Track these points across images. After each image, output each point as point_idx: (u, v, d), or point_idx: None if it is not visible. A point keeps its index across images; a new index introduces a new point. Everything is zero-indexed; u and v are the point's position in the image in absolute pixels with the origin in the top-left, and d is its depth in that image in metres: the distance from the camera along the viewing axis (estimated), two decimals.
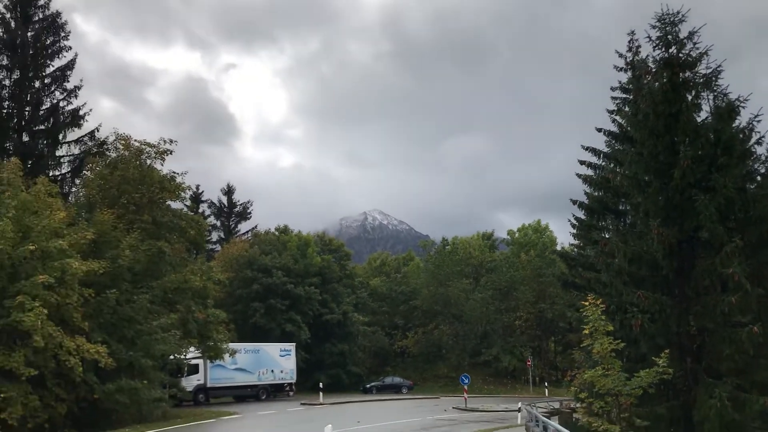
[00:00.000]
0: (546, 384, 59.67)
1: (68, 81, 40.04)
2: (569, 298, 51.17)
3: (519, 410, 33.49)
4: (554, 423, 13.63)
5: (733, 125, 17.93)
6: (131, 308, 27.66)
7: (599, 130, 30.67)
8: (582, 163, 31.34)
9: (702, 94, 18.23)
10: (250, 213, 73.53)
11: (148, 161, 33.96)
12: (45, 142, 39.45)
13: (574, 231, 35.14)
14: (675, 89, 17.88)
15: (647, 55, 20.33)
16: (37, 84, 39.60)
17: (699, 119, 18.23)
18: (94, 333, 25.63)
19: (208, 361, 39.52)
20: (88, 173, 35.57)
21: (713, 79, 17.96)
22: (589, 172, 31.30)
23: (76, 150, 40.01)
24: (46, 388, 23.77)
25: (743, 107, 17.55)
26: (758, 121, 17.40)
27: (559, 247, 66.24)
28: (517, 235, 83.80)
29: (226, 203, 72.71)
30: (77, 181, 38.99)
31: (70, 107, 39.71)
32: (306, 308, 55.80)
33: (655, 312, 16.41)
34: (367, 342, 65.15)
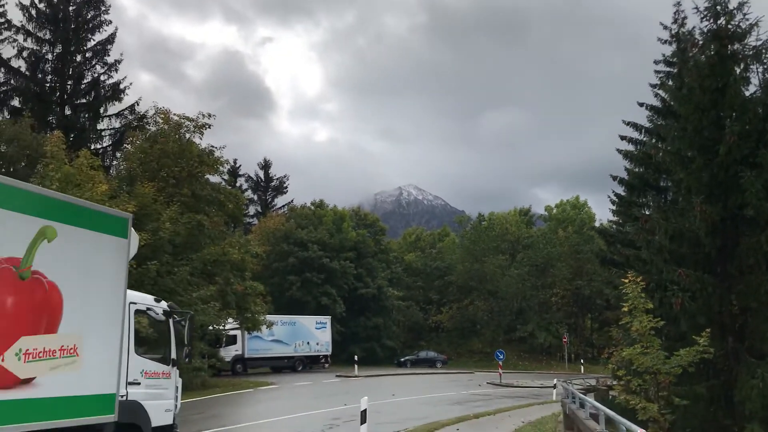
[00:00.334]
0: (582, 361, 59.37)
1: (109, 55, 40.72)
2: (607, 275, 50.65)
3: (554, 387, 33.41)
4: (591, 399, 13.55)
5: None
6: (172, 280, 28.14)
7: (641, 104, 29.99)
8: (623, 138, 30.74)
9: (751, 67, 17.63)
10: (286, 187, 74.24)
11: (187, 135, 34.34)
12: (86, 115, 40.20)
13: (614, 207, 34.63)
14: (723, 62, 17.31)
15: (693, 27, 19.75)
16: (78, 58, 40.27)
17: (747, 93, 17.66)
18: None
19: (246, 332, 40.17)
20: (129, 147, 36.12)
21: (763, 51, 17.32)
22: (630, 147, 30.72)
23: (116, 124, 40.80)
24: None
25: None
26: None
27: (597, 224, 65.56)
28: (554, 211, 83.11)
29: (262, 177, 73.44)
30: (118, 155, 39.69)
31: (110, 81, 40.43)
32: (341, 282, 56.26)
33: (696, 290, 16.08)
34: (401, 316, 65.52)
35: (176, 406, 11.69)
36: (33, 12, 39.38)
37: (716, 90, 17.32)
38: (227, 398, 26.94)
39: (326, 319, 50.52)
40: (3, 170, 29.79)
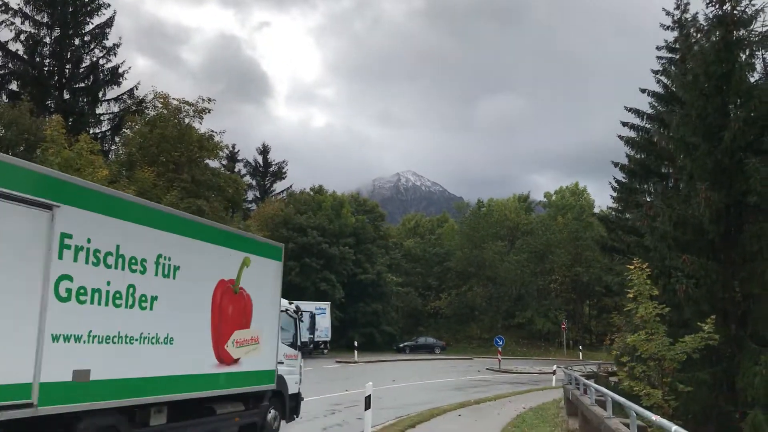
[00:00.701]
0: (580, 347, 59.63)
1: (107, 39, 40.40)
2: (606, 261, 50.74)
3: (554, 373, 33.54)
4: (597, 385, 13.56)
5: None
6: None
7: (643, 90, 29.89)
8: (624, 124, 30.65)
9: (756, 53, 17.52)
10: (285, 172, 73.93)
11: (187, 120, 34.18)
12: (85, 99, 39.92)
13: (615, 194, 34.62)
14: (728, 48, 17.19)
15: (696, 13, 19.65)
16: (77, 41, 39.93)
17: (752, 80, 17.56)
18: None
19: None
20: (128, 131, 35.96)
21: None
22: (632, 134, 30.64)
23: (115, 108, 40.51)
24: None
25: None
26: None
27: (596, 210, 65.59)
28: (554, 197, 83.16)
29: (261, 162, 73.14)
30: (117, 139, 39.47)
31: (109, 65, 40.15)
32: (340, 268, 56.22)
33: (700, 277, 16.06)
34: (400, 302, 65.62)
35: (300, 380, 15.20)
36: None
37: (721, 76, 17.23)
38: None
39: (325, 305, 50.49)
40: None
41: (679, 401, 14.25)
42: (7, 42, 38.67)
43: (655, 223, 18.16)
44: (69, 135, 28.61)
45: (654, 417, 6.73)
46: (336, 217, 60.01)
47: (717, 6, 17.94)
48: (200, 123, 34.48)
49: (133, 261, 9.10)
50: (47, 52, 39.49)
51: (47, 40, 39.42)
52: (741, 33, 17.62)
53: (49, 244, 7.74)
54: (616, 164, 31.75)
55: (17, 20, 38.74)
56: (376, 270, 59.74)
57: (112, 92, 40.32)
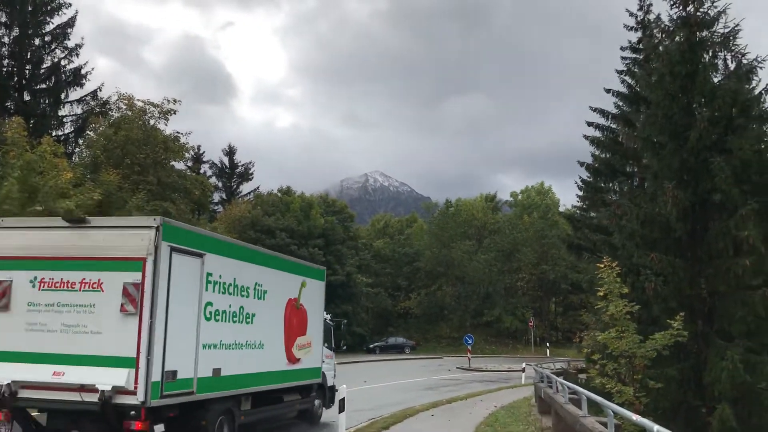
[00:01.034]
0: (548, 344, 60.30)
1: (69, 39, 39.40)
2: (572, 259, 51.34)
3: (523, 370, 33.82)
4: (571, 384, 13.67)
5: (750, 86, 17.60)
6: None
7: (608, 90, 30.31)
8: (590, 124, 31.04)
9: (719, 53, 17.86)
10: (251, 174, 73.06)
11: (152, 121, 33.68)
12: (47, 101, 38.92)
13: (581, 193, 35.04)
14: (692, 49, 17.50)
15: (659, 14, 19.94)
16: (37, 42, 38.93)
17: (715, 80, 17.89)
18: None
19: None
20: (92, 133, 35.26)
21: (731, 38, 17.54)
22: (597, 133, 31.03)
23: (78, 110, 39.54)
24: None
25: (761, 68, 17.18)
26: None
27: (561, 209, 66.37)
28: (520, 196, 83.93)
29: (227, 164, 72.22)
30: (81, 141, 38.63)
31: (71, 66, 39.14)
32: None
33: (668, 274, 16.31)
34: (370, 303, 65.56)
35: (335, 375, 18.67)
36: None
37: (686, 76, 17.53)
38: None
39: None
40: None
41: (650, 398, 14.45)
42: None
43: (622, 222, 18.40)
44: (31, 137, 27.94)
45: (635, 417, 6.78)
46: (305, 218, 59.71)
47: (680, 7, 18.25)
48: (166, 124, 34.02)
49: (242, 289, 12.50)
50: (6, 52, 38.45)
51: (6, 40, 38.35)
52: (704, 34, 17.95)
53: (201, 281, 11.06)
54: (581, 164, 32.14)
55: None
56: (345, 271, 59.58)
57: (75, 93, 39.41)
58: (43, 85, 39.12)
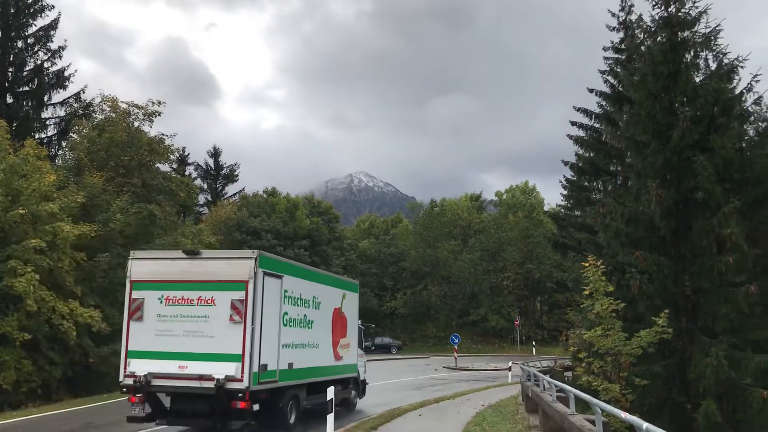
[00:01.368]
0: (533, 343, 60.55)
1: (52, 41, 39.12)
2: (557, 258, 51.66)
3: (509, 369, 33.96)
4: (559, 382, 13.76)
5: (732, 85, 17.82)
6: (124, 272, 27.45)
7: (591, 90, 30.48)
8: (573, 124, 31.23)
9: (701, 53, 18.08)
10: (237, 175, 72.70)
11: (136, 123, 33.49)
12: (30, 103, 38.61)
13: (565, 192, 35.27)
14: (674, 49, 17.72)
15: (640, 14, 20.14)
16: (19, 44, 38.63)
17: (697, 79, 18.10)
18: (86, 297, 25.51)
19: None
20: (75, 136, 34.98)
21: (712, 38, 17.76)
22: (581, 133, 31.23)
23: (61, 112, 39.29)
24: (40, 352, 23.67)
25: (742, 67, 17.41)
26: (757, 81, 17.27)
27: (546, 208, 66.65)
28: (504, 196, 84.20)
29: (212, 165, 71.82)
30: (64, 144, 38.32)
31: (54, 68, 38.85)
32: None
33: (653, 272, 16.48)
34: None
35: (365, 371, 21.55)
36: None
37: (668, 76, 17.74)
38: None
39: None
40: None
41: (636, 395, 14.60)
42: None
43: (607, 221, 18.57)
44: (14, 140, 27.72)
45: (623, 414, 6.84)
46: (290, 219, 59.64)
47: (662, 8, 18.45)
48: (150, 126, 33.83)
49: (305, 301, 15.75)
50: None
51: None
52: (686, 34, 18.16)
53: (280, 296, 14.37)
54: (566, 163, 32.33)
55: None
56: (331, 272, 59.55)
57: (58, 96, 39.10)
58: (26, 88, 38.82)
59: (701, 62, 18.34)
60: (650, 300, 16.28)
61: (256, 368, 12.95)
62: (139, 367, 13.26)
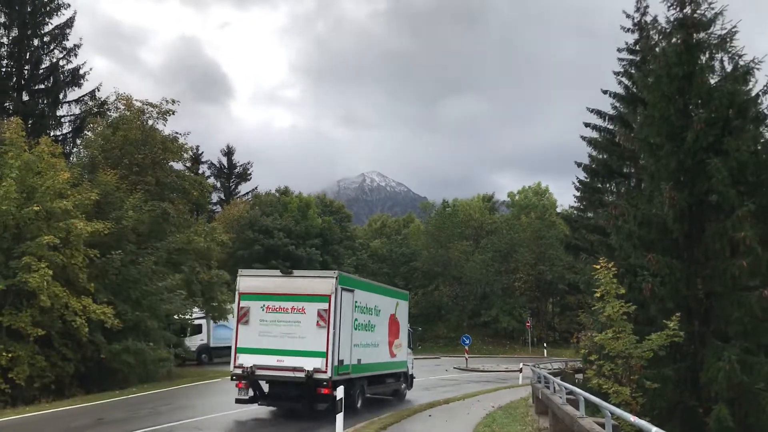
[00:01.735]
0: (545, 345, 60.31)
1: (67, 39, 39.43)
2: (570, 260, 51.41)
3: (520, 371, 33.87)
4: (569, 385, 13.72)
5: (747, 87, 17.66)
6: (136, 269, 27.64)
7: (605, 92, 30.38)
8: (587, 125, 31.13)
9: (716, 55, 17.93)
10: (250, 174, 73.16)
11: (150, 121, 33.65)
12: (45, 101, 38.97)
13: (578, 193, 35.15)
14: (689, 51, 17.58)
15: (656, 16, 20.03)
16: (36, 42, 38.95)
17: (712, 81, 17.96)
18: (99, 294, 25.65)
19: (212, 321, 39.73)
20: (90, 134, 35.22)
21: (728, 40, 17.60)
22: (594, 134, 31.12)
23: (76, 110, 39.61)
24: (53, 348, 23.84)
25: (758, 69, 17.24)
26: None
27: (559, 210, 66.37)
28: (517, 197, 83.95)
29: (226, 164, 72.33)
30: (78, 142, 38.62)
31: (69, 66, 39.18)
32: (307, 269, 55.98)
33: (665, 275, 16.38)
34: None
35: (413, 366, 24.76)
36: None
37: (683, 78, 17.61)
38: (195, 388, 26.64)
39: None
40: None
41: (646, 398, 14.51)
42: None
43: (620, 223, 18.47)
44: (29, 138, 27.92)
45: (632, 418, 6.80)
46: (302, 218, 59.77)
47: (677, 9, 18.31)
48: (164, 125, 33.98)
49: (369, 309, 19.32)
50: (5, 53, 38.48)
51: (5, 40, 38.40)
52: (701, 36, 18.01)
53: (352, 306, 17.84)
54: (579, 164, 32.24)
55: None
56: (344, 271, 59.64)
57: (73, 94, 39.43)
58: (42, 86, 39.18)
59: (716, 64, 18.14)
60: (662, 303, 16.17)
61: (336, 362, 16.41)
62: (246, 360, 16.88)
